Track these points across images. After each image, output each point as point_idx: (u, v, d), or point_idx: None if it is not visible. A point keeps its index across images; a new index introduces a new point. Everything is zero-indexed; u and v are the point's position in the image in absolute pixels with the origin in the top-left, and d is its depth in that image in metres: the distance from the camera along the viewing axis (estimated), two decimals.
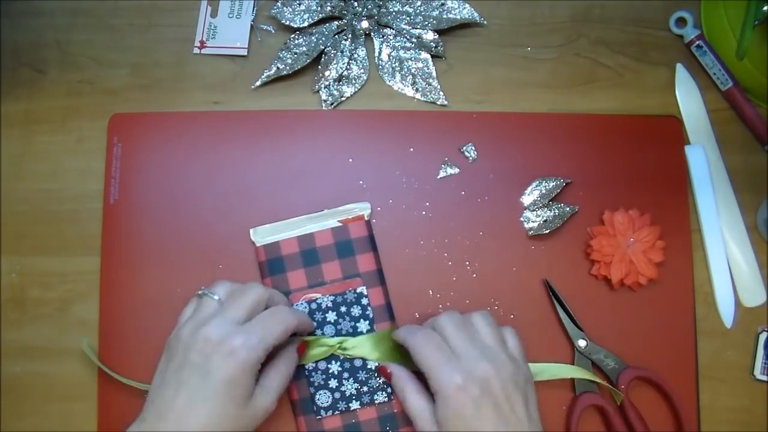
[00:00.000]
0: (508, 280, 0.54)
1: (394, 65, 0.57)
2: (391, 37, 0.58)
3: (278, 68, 0.57)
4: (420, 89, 0.57)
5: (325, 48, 0.57)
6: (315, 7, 0.57)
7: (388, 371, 0.49)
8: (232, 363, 0.43)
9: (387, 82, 0.57)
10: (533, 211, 0.55)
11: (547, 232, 0.54)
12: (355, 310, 0.52)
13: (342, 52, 0.57)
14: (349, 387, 0.51)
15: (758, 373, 0.54)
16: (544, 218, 0.54)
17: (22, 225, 0.55)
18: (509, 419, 0.43)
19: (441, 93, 0.57)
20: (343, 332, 0.52)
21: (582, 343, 0.53)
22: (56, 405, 0.53)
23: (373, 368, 0.51)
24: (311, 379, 0.51)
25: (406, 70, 0.57)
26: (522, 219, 0.55)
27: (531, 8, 0.59)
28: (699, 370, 0.53)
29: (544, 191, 0.55)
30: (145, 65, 0.58)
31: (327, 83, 0.57)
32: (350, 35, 0.57)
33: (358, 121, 0.56)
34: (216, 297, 0.47)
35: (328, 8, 0.57)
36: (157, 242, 0.54)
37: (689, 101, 0.58)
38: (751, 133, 0.57)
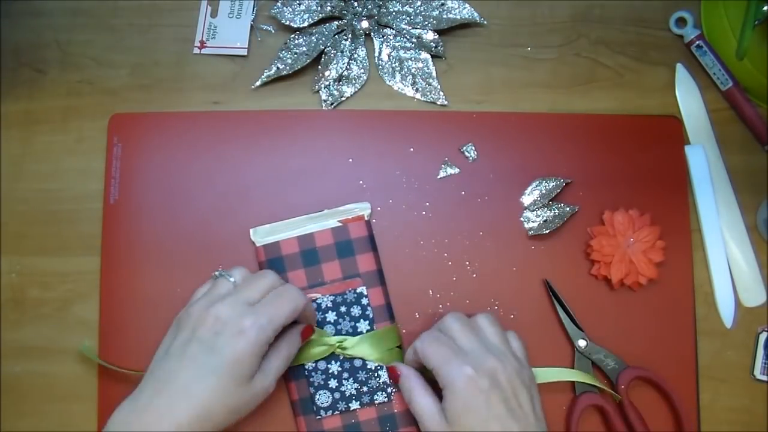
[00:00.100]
0: (508, 280, 0.54)
1: (394, 65, 0.57)
2: (391, 37, 0.58)
3: (278, 68, 0.57)
4: (420, 89, 0.57)
5: (325, 48, 0.57)
6: (315, 7, 0.57)
7: (398, 372, 0.49)
8: (242, 342, 0.43)
9: (387, 82, 0.57)
10: (533, 211, 0.55)
11: (547, 232, 0.54)
12: (355, 310, 0.52)
13: (342, 52, 0.57)
14: (349, 387, 0.51)
15: (758, 373, 0.54)
16: (544, 218, 0.54)
17: (22, 225, 0.55)
18: (517, 414, 0.43)
19: (441, 93, 0.57)
20: (343, 332, 0.52)
21: (582, 343, 0.53)
22: (56, 405, 0.53)
23: (373, 368, 0.51)
24: (311, 379, 0.51)
25: (406, 70, 0.57)
26: (522, 219, 0.55)
27: (531, 8, 0.59)
28: (699, 370, 0.53)
29: (544, 191, 0.55)
30: (145, 65, 0.58)
31: (327, 83, 0.57)
32: (350, 35, 0.57)
33: (358, 121, 0.56)
34: (232, 279, 0.47)
35: (328, 8, 0.57)
36: (157, 242, 0.54)
37: (689, 101, 0.58)
38: (751, 133, 0.57)
